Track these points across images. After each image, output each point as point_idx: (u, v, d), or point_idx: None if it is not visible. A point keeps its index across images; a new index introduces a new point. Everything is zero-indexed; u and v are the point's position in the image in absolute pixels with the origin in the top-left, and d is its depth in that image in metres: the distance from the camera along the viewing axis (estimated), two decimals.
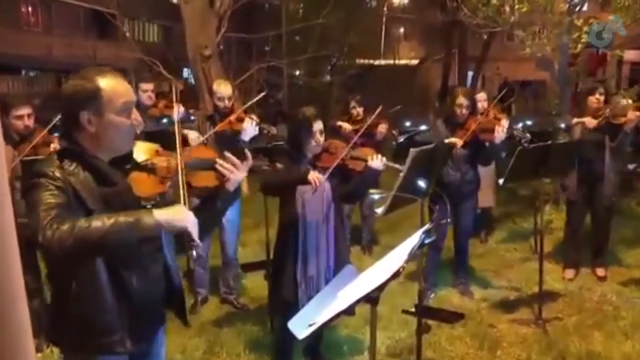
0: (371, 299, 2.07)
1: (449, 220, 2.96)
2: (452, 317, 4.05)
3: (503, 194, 7.85)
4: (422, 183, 3.29)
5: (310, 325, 1.91)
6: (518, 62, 18.36)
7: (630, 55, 17.59)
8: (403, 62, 25.80)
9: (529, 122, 7.20)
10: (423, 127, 5.11)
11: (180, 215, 2.01)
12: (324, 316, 1.94)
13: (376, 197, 3.08)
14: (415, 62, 24.85)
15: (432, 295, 5.25)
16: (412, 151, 3.30)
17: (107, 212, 1.98)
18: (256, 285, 5.37)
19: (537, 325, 4.60)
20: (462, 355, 4.24)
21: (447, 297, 5.27)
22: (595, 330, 4.54)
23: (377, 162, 3.42)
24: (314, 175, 3.41)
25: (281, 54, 14.93)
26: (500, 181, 4.53)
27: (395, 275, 1.88)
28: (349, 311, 3.71)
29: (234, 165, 2.31)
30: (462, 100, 4.93)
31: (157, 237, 2.06)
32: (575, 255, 5.70)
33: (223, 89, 4.84)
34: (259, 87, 13.15)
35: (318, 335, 4.16)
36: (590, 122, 5.19)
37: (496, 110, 6.56)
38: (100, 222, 1.89)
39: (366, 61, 20.99)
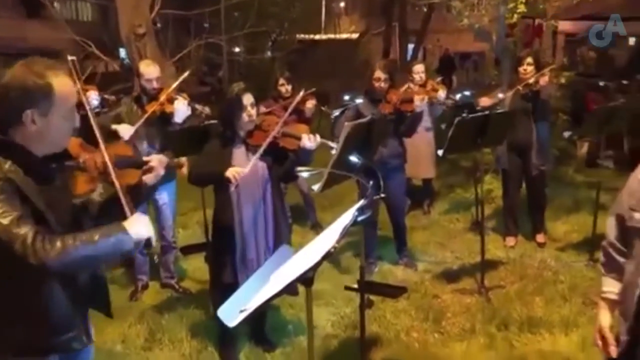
0: (306, 279, 2.00)
1: (382, 195, 2.91)
2: (394, 291, 4.04)
3: (445, 165, 7.91)
4: (358, 158, 3.22)
5: (242, 312, 1.82)
6: (458, 33, 18.51)
7: (565, 26, 17.92)
8: (344, 36, 25.66)
9: (467, 93, 7.23)
10: (360, 101, 5.07)
11: (145, 225, 2.01)
12: (256, 301, 1.85)
13: (305, 175, 3.00)
14: (355, 36, 24.76)
15: (376, 269, 5.25)
16: (347, 125, 3.23)
17: (49, 212, 1.93)
18: (198, 268, 5.27)
19: (481, 294, 4.65)
20: (407, 328, 4.25)
21: (391, 270, 5.28)
22: (536, 296, 4.63)
23: (309, 142, 3.35)
24: (232, 172, 3.33)
25: (220, 30, 14.58)
26: (440, 152, 4.52)
27: (327, 255, 1.81)
28: (292, 291, 3.68)
29: (160, 162, 2.27)
30: (379, 74, 4.90)
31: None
32: (514, 224, 5.78)
33: (150, 69, 4.64)
34: (198, 65, 12.87)
35: (262, 317, 4.10)
36: (484, 101, 5.23)
37: (434, 81, 6.58)
38: (87, 240, 1.86)
39: (307, 36, 20.80)
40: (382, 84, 4.91)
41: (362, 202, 2.04)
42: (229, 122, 3.52)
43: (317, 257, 1.80)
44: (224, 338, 3.95)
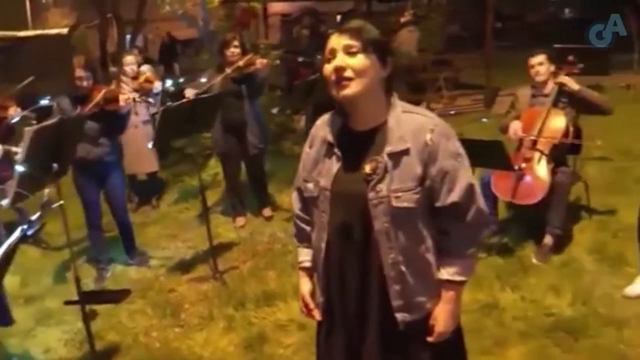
0: None
1: (61, 202, 2.72)
2: (117, 295, 3.89)
3: (172, 156, 7.79)
4: (52, 163, 2.97)
5: None
6: (176, 21, 18.29)
7: (278, 7, 18.73)
8: (55, 31, 23.88)
9: (181, 80, 7.16)
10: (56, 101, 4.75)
11: None
12: None
13: None
14: (66, 30, 23.18)
15: (109, 275, 5.01)
16: (28, 130, 2.95)
17: None
18: None
19: (216, 279, 4.67)
20: (146, 329, 4.12)
21: (125, 272, 5.09)
22: (269, 270, 4.79)
23: None
24: None
25: None
26: (150, 144, 4.41)
27: None
28: (6, 322, 3.31)
29: None
30: (79, 72, 4.64)
31: None
32: (241, 203, 5.92)
33: None
34: None
35: None
36: (189, 92, 5.25)
37: (148, 73, 6.42)
38: None
39: (11, 33, 19.01)
40: (85, 83, 4.65)
41: (37, 214, 1.85)
42: None
43: None
44: None
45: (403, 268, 1.94)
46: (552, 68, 4.73)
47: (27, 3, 23.43)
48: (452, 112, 9.71)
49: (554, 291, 4.08)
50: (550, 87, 4.73)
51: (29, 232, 1.76)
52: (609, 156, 6.61)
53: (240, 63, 5.35)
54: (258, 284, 4.56)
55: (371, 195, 1.90)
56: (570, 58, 4.78)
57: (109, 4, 21.01)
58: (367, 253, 1.96)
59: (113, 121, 4.79)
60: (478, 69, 11.39)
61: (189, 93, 5.22)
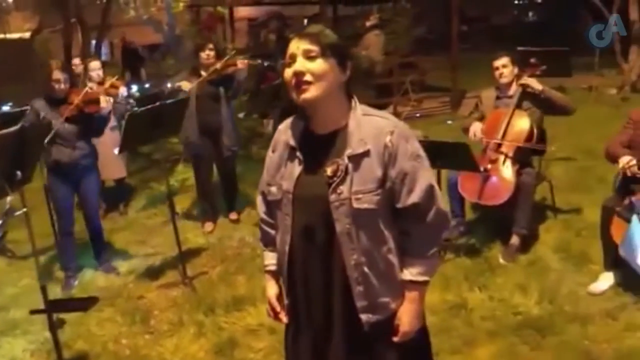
0: None
1: (24, 209, 2.68)
2: (84, 303, 3.83)
3: (140, 161, 7.74)
4: (15, 171, 2.93)
5: None
6: (141, 26, 18.19)
7: (245, 12, 18.73)
8: (16, 36, 23.43)
9: (147, 85, 7.11)
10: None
11: None
12: None
13: None
14: (28, 35, 22.80)
15: (76, 282, 4.95)
16: None
17: None
18: None
19: (185, 284, 4.64)
20: (115, 336, 4.07)
21: (92, 280, 5.01)
22: (238, 275, 4.77)
23: None
24: None
25: None
26: (116, 150, 4.38)
27: None
28: None
29: None
30: (58, 75, 4.60)
31: None
32: (211, 208, 5.90)
33: None
34: None
35: None
36: (185, 85, 5.33)
37: (113, 78, 6.36)
38: None
39: None
40: (62, 86, 4.61)
41: None
42: None
43: None
44: None
45: (366, 269, 1.96)
46: (516, 70, 4.82)
47: None
48: (417, 115, 9.81)
49: (521, 290, 4.14)
50: (514, 89, 4.81)
51: None
52: (572, 156, 6.74)
53: (218, 65, 5.40)
54: (227, 289, 4.54)
55: (332, 197, 1.92)
56: (533, 60, 4.87)
57: (73, 8, 20.69)
58: (330, 255, 1.98)
59: (93, 123, 4.77)
60: (444, 72, 11.51)
61: (186, 86, 5.29)
